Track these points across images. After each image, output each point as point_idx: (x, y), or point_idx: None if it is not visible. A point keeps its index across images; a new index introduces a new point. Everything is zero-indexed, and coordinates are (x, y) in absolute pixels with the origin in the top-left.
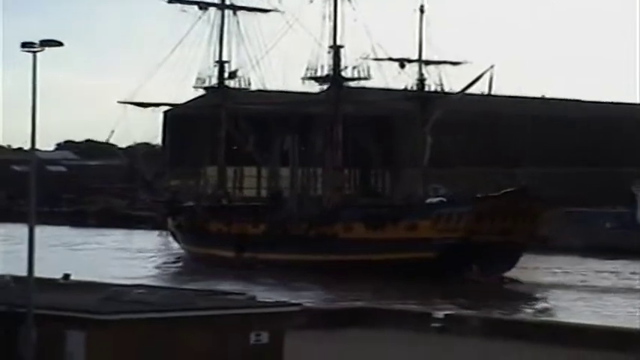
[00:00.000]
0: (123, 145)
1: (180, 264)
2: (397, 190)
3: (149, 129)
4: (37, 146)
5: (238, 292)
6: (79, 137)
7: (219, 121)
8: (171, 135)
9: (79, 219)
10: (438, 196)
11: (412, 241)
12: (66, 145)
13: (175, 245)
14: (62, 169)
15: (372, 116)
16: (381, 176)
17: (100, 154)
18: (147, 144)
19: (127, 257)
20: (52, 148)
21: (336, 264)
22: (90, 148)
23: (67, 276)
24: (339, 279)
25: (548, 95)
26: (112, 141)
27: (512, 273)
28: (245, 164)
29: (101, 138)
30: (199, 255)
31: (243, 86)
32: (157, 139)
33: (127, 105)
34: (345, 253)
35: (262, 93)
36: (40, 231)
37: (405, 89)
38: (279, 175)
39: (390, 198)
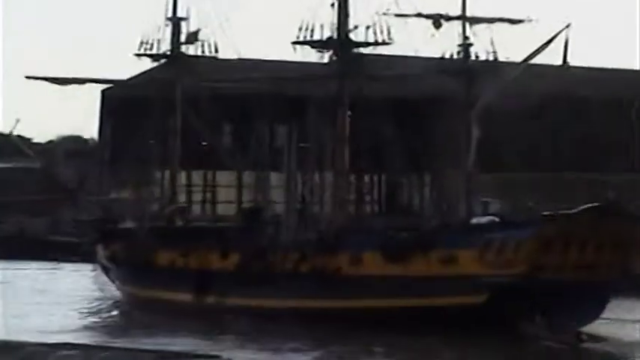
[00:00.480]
0: (39, 140)
1: (114, 312)
2: (431, 205)
3: (77, 116)
4: None
5: (211, 354)
6: None
7: (172, 105)
8: (111, 125)
9: None
10: (487, 214)
11: (449, 280)
12: None
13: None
14: None
15: (394, 98)
16: (407, 185)
17: (1, 154)
18: (76, 138)
19: (47, 303)
20: None
21: (340, 313)
22: None
23: None
24: (344, 335)
25: None
26: (19, 134)
27: (593, 326)
28: (218, 168)
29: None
30: (141, 299)
31: (207, 54)
32: (91, 132)
33: (39, 81)
34: (353, 296)
35: (235, 63)
36: None
37: (442, 58)
38: (268, 184)
39: (419, 216)
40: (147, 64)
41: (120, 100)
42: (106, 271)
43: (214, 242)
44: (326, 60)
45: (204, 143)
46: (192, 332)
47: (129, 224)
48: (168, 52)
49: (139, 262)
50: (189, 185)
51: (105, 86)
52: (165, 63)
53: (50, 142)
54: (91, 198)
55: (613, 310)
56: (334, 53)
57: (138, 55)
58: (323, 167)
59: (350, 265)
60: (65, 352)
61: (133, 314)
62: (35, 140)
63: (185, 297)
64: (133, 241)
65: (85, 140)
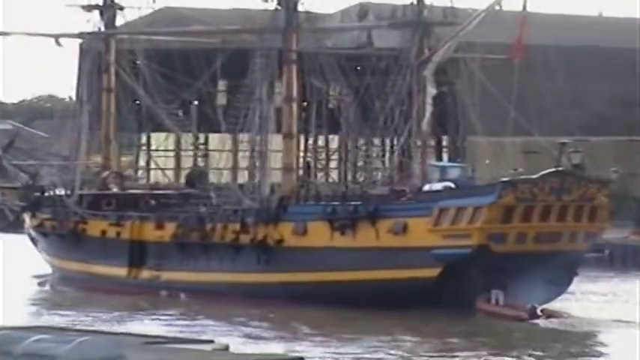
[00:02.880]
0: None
1: (43, 287)
2: (382, 170)
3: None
4: None
5: (203, 339)
6: None
7: (105, 62)
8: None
9: None
10: (442, 180)
11: (400, 252)
12: None
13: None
14: None
15: (342, 54)
16: (357, 149)
17: None
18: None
19: None
20: None
21: (280, 288)
22: None
23: None
24: (284, 312)
25: None
26: None
27: (554, 302)
28: (156, 130)
29: None
30: (71, 273)
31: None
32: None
33: None
34: (297, 270)
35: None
36: None
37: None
38: (208, 147)
39: (370, 183)
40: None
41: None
42: (33, 242)
43: (151, 211)
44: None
45: (136, 102)
46: (126, 309)
47: (58, 191)
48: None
49: (68, 233)
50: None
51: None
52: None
53: (22, 102)
54: (17, 162)
55: (577, 284)
56: (278, 3)
57: (68, 5)
58: (268, 128)
59: (294, 237)
60: (39, 337)
61: (61, 290)
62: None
63: (118, 271)
64: (62, 210)
65: (61, 100)
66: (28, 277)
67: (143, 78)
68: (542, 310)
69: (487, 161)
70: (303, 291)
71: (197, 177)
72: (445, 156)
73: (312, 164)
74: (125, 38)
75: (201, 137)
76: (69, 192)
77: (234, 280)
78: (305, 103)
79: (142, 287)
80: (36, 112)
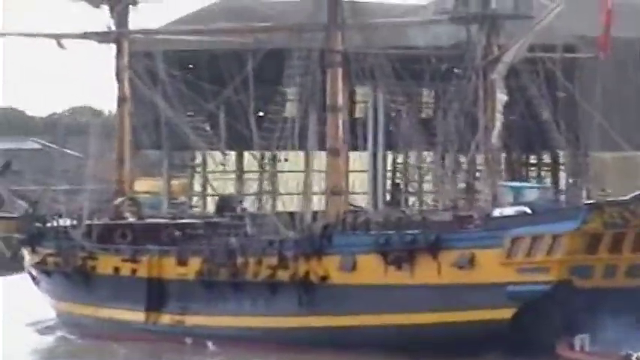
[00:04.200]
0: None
1: (46, 336)
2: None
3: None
4: None
5: None
6: None
7: (117, 67)
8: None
9: None
10: (517, 204)
11: (466, 290)
12: None
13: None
14: None
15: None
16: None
17: None
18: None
19: None
20: None
21: (328, 335)
22: None
23: None
24: None
25: None
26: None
27: None
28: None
29: None
30: (78, 319)
31: None
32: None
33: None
34: (345, 313)
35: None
36: None
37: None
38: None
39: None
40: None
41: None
42: (34, 281)
43: (171, 244)
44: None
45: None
46: None
47: (63, 221)
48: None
49: (74, 271)
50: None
51: None
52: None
53: (52, 115)
54: (17, 188)
55: None
56: None
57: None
58: (310, 145)
59: (340, 273)
60: None
61: (69, 339)
62: (31, 113)
63: (134, 315)
64: (67, 244)
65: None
66: (28, 324)
67: (162, 85)
68: (637, 358)
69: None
70: (352, 337)
71: (227, 203)
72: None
73: (401, 186)
74: (140, 38)
75: (232, 155)
76: (75, 222)
77: (271, 325)
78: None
79: (163, 334)
80: (69, 127)
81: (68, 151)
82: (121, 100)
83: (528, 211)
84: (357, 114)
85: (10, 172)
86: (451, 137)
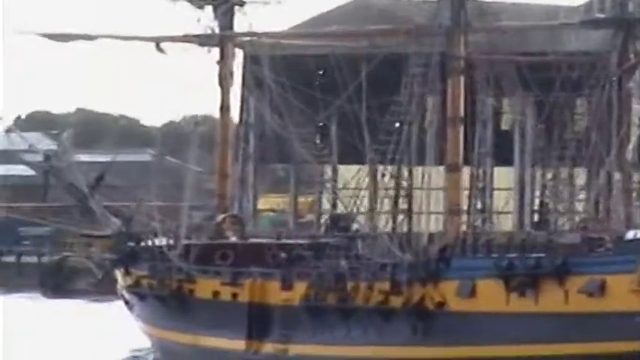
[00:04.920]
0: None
1: None
2: (570, 212)
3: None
4: None
5: None
6: None
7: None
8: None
9: None
10: None
11: (596, 319)
12: None
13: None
14: None
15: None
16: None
17: None
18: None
19: None
20: None
21: None
22: None
23: None
24: None
25: None
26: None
27: None
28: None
29: None
30: (174, 346)
31: None
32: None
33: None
34: (462, 342)
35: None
36: None
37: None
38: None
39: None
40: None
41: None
42: (128, 305)
43: (275, 266)
44: None
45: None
46: None
47: (159, 241)
48: None
49: (170, 295)
50: None
51: None
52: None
53: (170, 123)
54: (109, 204)
55: None
56: None
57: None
58: (423, 159)
59: (458, 299)
60: None
61: None
62: (144, 122)
63: (234, 344)
64: (163, 265)
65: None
66: (121, 354)
67: (269, 93)
68: None
69: None
70: None
71: (339, 222)
72: None
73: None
74: (246, 41)
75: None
76: (172, 242)
77: (383, 355)
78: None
79: None
80: (187, 137)
81: (184, 163)
82: (224, 109)
83: None
84: (504, 126)
85: (101, 185)
86: (581, 151)
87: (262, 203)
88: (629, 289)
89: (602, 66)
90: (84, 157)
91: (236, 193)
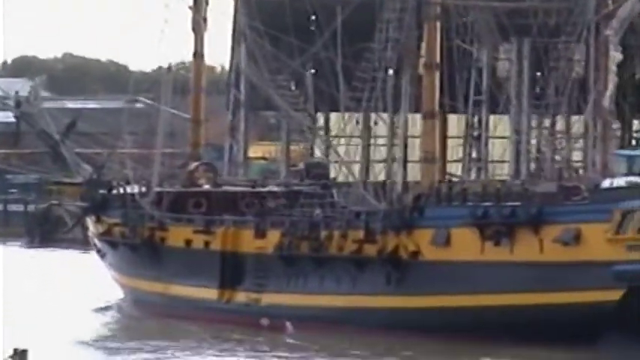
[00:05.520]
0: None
1: (112, 315)
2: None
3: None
4: None
5: None
6: None
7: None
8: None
9: None
10: (631, 174)
11: (570, 269)
12: None
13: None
14: None
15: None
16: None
17: None
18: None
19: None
20: None
21: (416, 315)
22: None
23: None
24: (422, 347)
25: None
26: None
27: None
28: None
29: None
30: (146, 296)
31: None
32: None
33: None
34: (437, 292)
35: None
36: None
37: None
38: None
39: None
40: None
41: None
42: (99, 253)
43: (248, 214)
44: None
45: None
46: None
47: (131, 188)
48: None
49: (142, 243)
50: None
51: None
52: None
53: (159, 69)
54: (81, 151)
55: None
56: None
57: None
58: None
59: (431, 248)
60: None
61: (135, 318)
62: (132, 68)
63: (206, 293)
64: (135, 213)
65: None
66: (94, 301)
67: (244, 39)
68: None
69: None
70: (444, 319)
71: (314, 170)
72: None
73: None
74: None
75: (321, 118)
76: (144, 189)
77: (356, 304)
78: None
79: (237, 314)
80: (175, 84)
81: (175, 111)
82: (197, 56)
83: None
84: (500, 72)
85: (73, 131)
86: (559, 99)
87: (253, 151)
88: (605, 238)
89: (580, 12)
90: (69, 104)
91: (226, 141)
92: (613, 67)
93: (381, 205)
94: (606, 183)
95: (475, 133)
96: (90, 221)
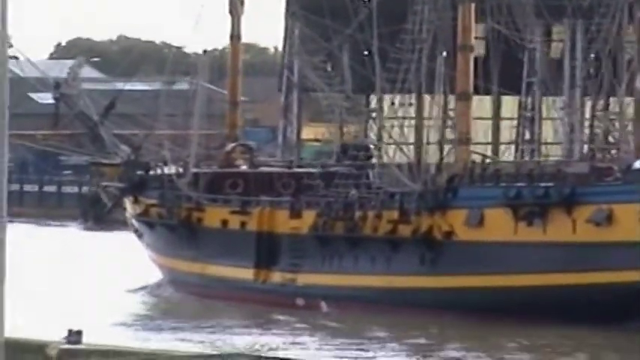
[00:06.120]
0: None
1: (150, 296)
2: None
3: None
4: None
5: None
6: None
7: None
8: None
9: None
10: None
11: (603, 249)
12: None
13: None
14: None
15: None
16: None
17: None
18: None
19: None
20: None
21: (450, 295)
22: None
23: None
24: (457, 327)
25: None
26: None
27: None
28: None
29: None
30: (182, 276)
31: None
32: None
33: None
34: (469, 271)
35: None
36: None
37: None
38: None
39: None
40: None
41: None
42: (137, 234)
43: (283, 195)
44: None
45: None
46: (246, 325)
47: (168, 169)
48: None
49: (178, 223)
50: None
51: None
52: None
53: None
54: (120, 132)
55: None
56: None
57: None
58: (434, 88)
59: (466, 229)
60: None
61: (172, 298)
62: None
63: (242, 273)
64: (172, 194)
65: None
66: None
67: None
68: None
69: None
70: (478, 299)
71: (350, 150)
72: None
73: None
74: None
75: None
76: (181, 170)
77: (390, 284)
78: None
79: (273, 294)
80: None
81: (223, 91)
82: (234, 38)
83: None
84: (553, 54)
85: (111, 113)
86: (592, 79)
87: (306, 133)
88: (637, 218)
89: None
90: (142, 86)
91: (279, 123)
92: None
93: (416, 185)
94: (638, 164)
95: (528, 114)
96: (128, 202)
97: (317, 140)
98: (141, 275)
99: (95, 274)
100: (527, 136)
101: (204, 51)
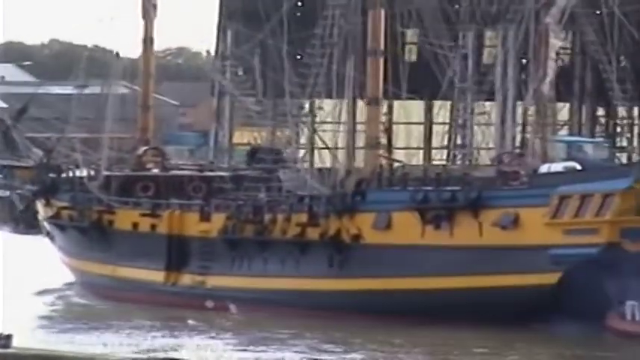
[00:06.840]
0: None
1: (59, 298)
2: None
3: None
4: None
5: None
6: None
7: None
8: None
9: None
10: (567, 159)
11: (508, 252)
12: None
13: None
14: None
15: None
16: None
17: None
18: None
19: None
20: None
21: (358, 297)
22: None
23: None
24: (363, 329)
25: None
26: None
27: None
28: None
29: None
30: (94, 279)
31: None
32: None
33: None
34: (377, 274)
35: None
36: None
37: None
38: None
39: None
40: None
41: None
42: (49, 236)
43: (194, 198)
44: None
45: None
46: (157, 328)
47: (79, 172)
48: None
49: (89, 226)
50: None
51: None
52: None
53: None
54: (31, 135)
55: None
56: None
57: None
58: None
59: (373, 232)
60: None
61: (83, 301)
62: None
63: (152, 275)
64: (83, 196)
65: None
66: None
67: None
68: None
69: None
70: (385, 302)
71: (259, 154)
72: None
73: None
74: None
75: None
76: (93, 173)
77: (299, 287)
78: None
79: (183, 296)
80: (164, 70)
81: (159, 96)
82: (147, 42)
83: (578, 167)
84: (486, 59)
85: (24, 116)
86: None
87: (238, 137)
88: (542, 222)
89: (520, 0)
90: (56, 89)
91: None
92: (552, 55)
93: (325, 189)
94: (544, 168)
95: (460, 120)
96: (40, 205)
97: (249, 144)
98: (53, 279)
99: (9, 278)
100: (459, 141)
101: (117, 53)
